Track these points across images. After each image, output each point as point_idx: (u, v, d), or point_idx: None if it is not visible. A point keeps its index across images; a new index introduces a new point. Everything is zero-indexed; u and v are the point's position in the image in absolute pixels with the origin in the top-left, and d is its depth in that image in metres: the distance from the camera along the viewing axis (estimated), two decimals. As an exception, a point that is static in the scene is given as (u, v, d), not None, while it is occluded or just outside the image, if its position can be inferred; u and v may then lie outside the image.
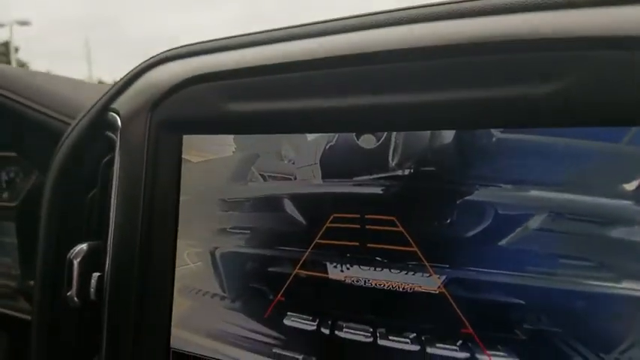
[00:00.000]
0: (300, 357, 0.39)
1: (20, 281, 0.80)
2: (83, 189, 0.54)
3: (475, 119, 0.34)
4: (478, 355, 0.33)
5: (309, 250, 0.40)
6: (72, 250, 0.49)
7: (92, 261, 0.49)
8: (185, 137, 0.46)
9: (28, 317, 0.62)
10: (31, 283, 0.71)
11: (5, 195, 0.83)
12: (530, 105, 0.32)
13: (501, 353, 0.33)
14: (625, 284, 0.30)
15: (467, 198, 0.34)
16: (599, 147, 0.31)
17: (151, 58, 0.51)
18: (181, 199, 0.46)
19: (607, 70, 0.30)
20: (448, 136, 0.35)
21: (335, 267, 0.38)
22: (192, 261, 0.45)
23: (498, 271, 0.33)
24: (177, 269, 0.46)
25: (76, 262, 0.49)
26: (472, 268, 0.34)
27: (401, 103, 0.36)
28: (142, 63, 0.51)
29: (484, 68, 0.34)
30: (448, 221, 0.35)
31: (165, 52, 0.51)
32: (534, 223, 0.32)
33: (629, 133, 0.30)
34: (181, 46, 0.50)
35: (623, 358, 0.30)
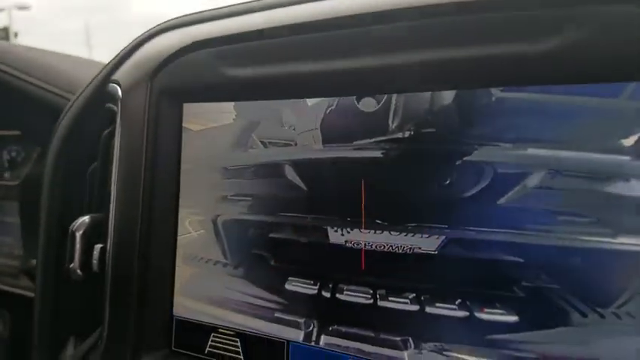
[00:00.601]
0: (302, 320, 0.40)
1: (23, 261, 0.81)
2: (84, 162, 0.54)
3: (475, 78, 0.34)
4: (477, 313, 0.34)
5: (309, 215, 0.40)
6: (74, 223, 0.49)
7: (94, 233, 0.49)
8: (185, 105, 0.46)
9: (31, 294, 0.62)
10: (34, 262, 0.72)
11: (7, 174, 0.83)
12: (530, 63, 0.32)
13: (500, 311, 0.33)
14: (622, 239, 0.30)
15: (466, 158, 0.34)
16: (598, 103, 0.31)
17: (151, 28, 0.51)
18: (182, 167, 0.46)
19: (605, 25, 0.30)
20: (448, 96, 0.35)
21: (335, 231, 0.39)
22: (194, 229, 0.45)
23: (497, 230, 0.33)
24: (179, 238, 0.46)
25: (78, 235, 0.49)
26: (471, 228, 0.34)
27: (401, 64, 0.36)
28: (142, 34, 0.51)
29: (484, 26, 0.34)
30: (447, 182, 0.35)
31: (164, 22, 0.50)
32: (533, 180, 0.32)
33: (627, 88, 0.30)
34: (181, 16, 0.50)
35: (620, 313, 0.30)
